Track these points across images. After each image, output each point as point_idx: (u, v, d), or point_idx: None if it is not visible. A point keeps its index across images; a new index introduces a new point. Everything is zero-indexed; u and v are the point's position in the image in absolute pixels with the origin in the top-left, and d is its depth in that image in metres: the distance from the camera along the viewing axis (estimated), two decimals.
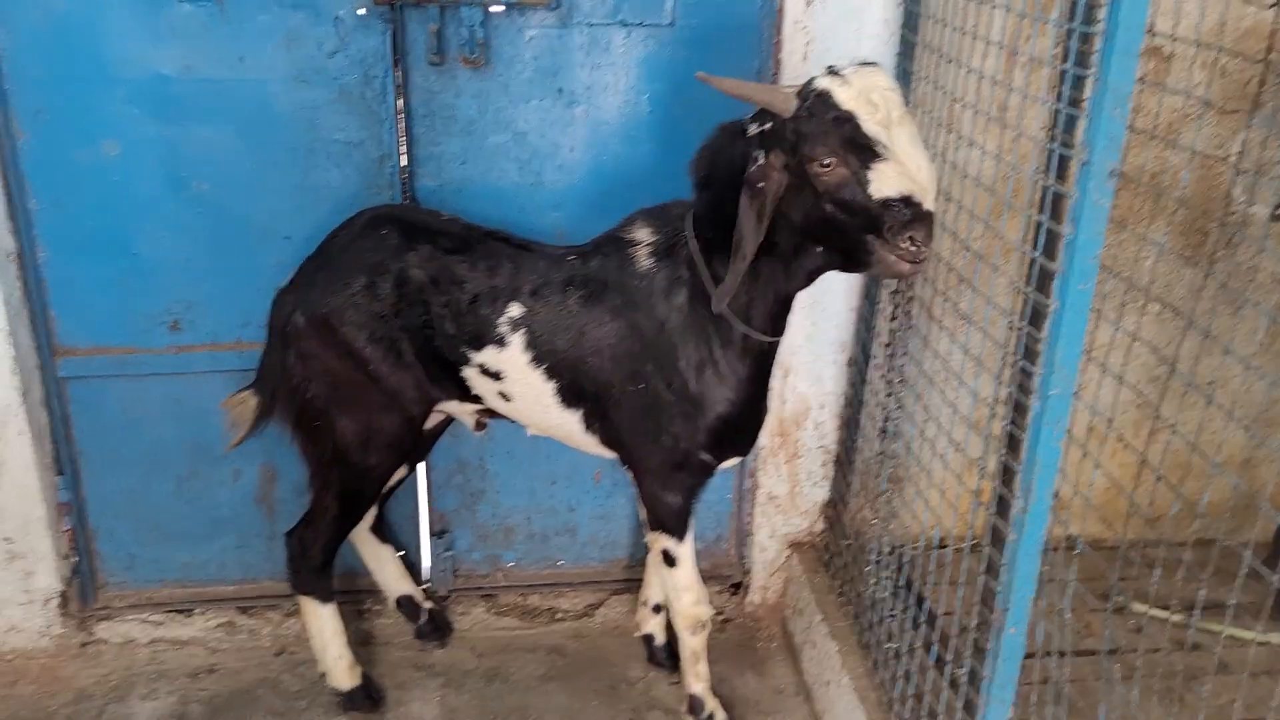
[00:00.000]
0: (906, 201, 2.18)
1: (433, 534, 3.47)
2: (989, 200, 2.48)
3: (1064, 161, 2.16)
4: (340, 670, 3.10)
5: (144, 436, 3.23)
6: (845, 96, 2.19)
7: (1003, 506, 2.35)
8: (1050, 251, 2.14)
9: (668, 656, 3.30)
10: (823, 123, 2.19)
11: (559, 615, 3.53)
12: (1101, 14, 1.93)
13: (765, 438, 3.33)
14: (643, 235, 2.66)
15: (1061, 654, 2.46)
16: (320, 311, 2.72)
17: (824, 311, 3.20)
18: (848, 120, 2.17)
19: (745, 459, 3.11)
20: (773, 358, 2.71)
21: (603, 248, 2.71)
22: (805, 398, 3.29)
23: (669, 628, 3.31)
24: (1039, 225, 2.17)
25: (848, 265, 2.42)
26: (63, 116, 2.89)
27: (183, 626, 3.39)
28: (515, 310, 2.68)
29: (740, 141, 2.39)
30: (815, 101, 2.21)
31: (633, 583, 3.51)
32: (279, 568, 3.27)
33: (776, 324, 2.60)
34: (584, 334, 2.65)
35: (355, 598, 3.46)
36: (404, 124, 2.98)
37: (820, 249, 2.41)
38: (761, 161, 2.31)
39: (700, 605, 2.90)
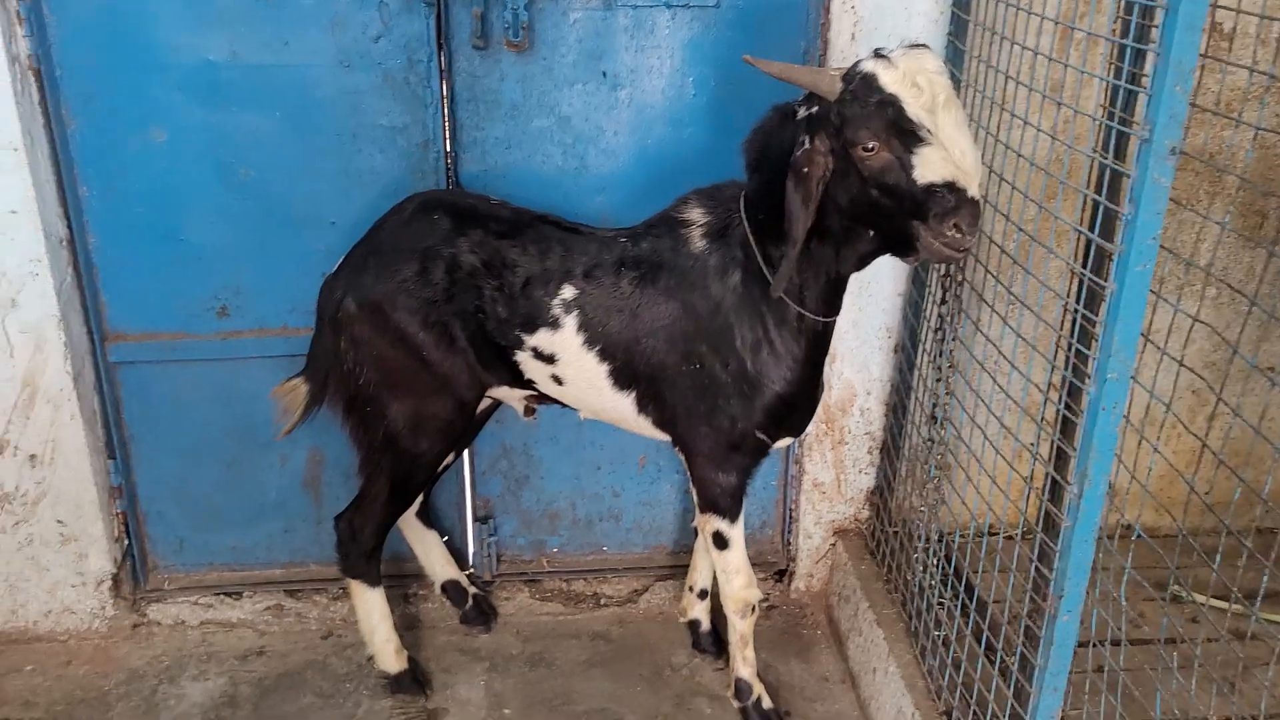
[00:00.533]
0: (950, 187, 2.15)
1: (477, 519, 3.48)
2: (1043, 180, 2.43)
3: (1122, 139, 2.12)
4: (388, 653, 3.12)
5: (193, 421, 3.26)
6: (890, 79, 2.16)
7: (1056, 492, 2.31)
8: (1107, 232, 2.10)
9: (713, 642, 3.29)
10: (867, 106, 2.17)
11: (603, 601, 3.53)
12: None
13: (812, 425, 3.30)
14: (696, 216, 2.65)
15: (1115, 643, 2.42)
16: (372, 297, 2.72)
17: (870, 297, 3.16)
18: (892, 104, 2.15)
19: (794, 443, 3.09)
20: (828, 338, 2.70)
21: (655, 228, 2.71)
22: (851, 384, 3.26)
23: (714, 613, 3.32)
24: (1095, 205, 2.13)
25: (896, 250, 2.40)
26: (112, 103, 2.92)
27: (231, 609, 3.43)
28: (568, 292, 2.67)
29: (790, 124, 2.37)
30: (860, 85, 2.19)
31: (677, 569, 3.50)
32: (326, 551, 3.31)
33: (830, 305, 2.59)
34: (637, 315, 2.64)
35: (402, 582, 3.48)
36: (448, 108, 2.98)
37: (870, 233, 2.39)
38: (807, 146, 2.29)
39: (751, 589, 2.88)
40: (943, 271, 2.84)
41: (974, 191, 2.16)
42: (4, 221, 2.89)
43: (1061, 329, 2.33)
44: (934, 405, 2.91)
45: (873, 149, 2.18)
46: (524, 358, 2.76)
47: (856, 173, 2.24)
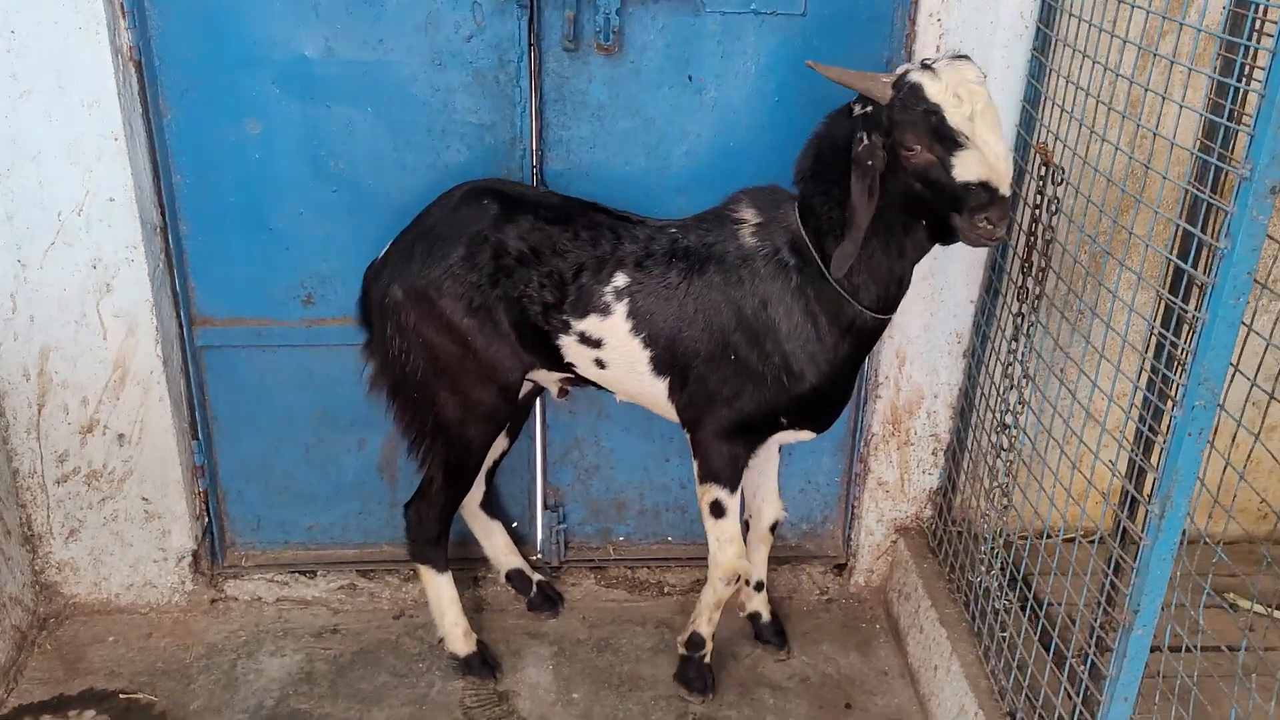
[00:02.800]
0: (984, 186, 2.36)
1: (546, 507, 3.57)
2: (1120, 199, 2.49)
3: (1218, 172, 2.16)
4: (456, 636, 3.22)
5: (275, 404, 3.35)
6: (934, 90, 2.35)
7: (1133, 507, 2.38)
8: (1196, 262, 2.15)
9: (775, 633, 3.38)
10: (914, 114, 2.37)
11: (667, 590, 3.62)
12: (1269, 29, 1.92)
13: (878, 425, 3.37)
14: (748, 214, 2.76)
15: (1186, 649, 2.48)
16: (419, 284, 2.79)
17: (942, 303, 3.21)
18: (935, 113, 2.35)
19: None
20: (876, 339, 2.81)
21: (706, 222, 2.81)
22: (920, 387, 3.32)
23: (774, 604, 3.41)
24: (1185, 234, 2.18)
25: (942, 238, 2.57)
26: (208, 95, 2.99)
27: (306, 587, 3.54)
28: (621, 280, 2.76)
29: (847, 121, 2.53)
30: (908, 93, 2.38)
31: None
32: (398, 533, 3.41)
33: (887, 301, 2.68)
34: (683, 305, 2.74)
35: (471, 565, 3.58)
36: (536, 107, 3.04)
37: (921, 222, 2.54)
38: (866, 142, 2.46)
39: (742, 560, 3.01)
40: (1019, 283, 2.89)
41: (1004, 190, 2.37)
42: (103, 209, 2.97)
43: (1146, 349, 2.40)
44: (1004, 411, 2.97)
45: (916, 150, 2.39)
46: (568, 342, 2.84)
47: (902, 168, 2.43)
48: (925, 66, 2.38)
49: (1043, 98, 2.85)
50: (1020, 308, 2.89)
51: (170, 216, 3.11)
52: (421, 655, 3.33)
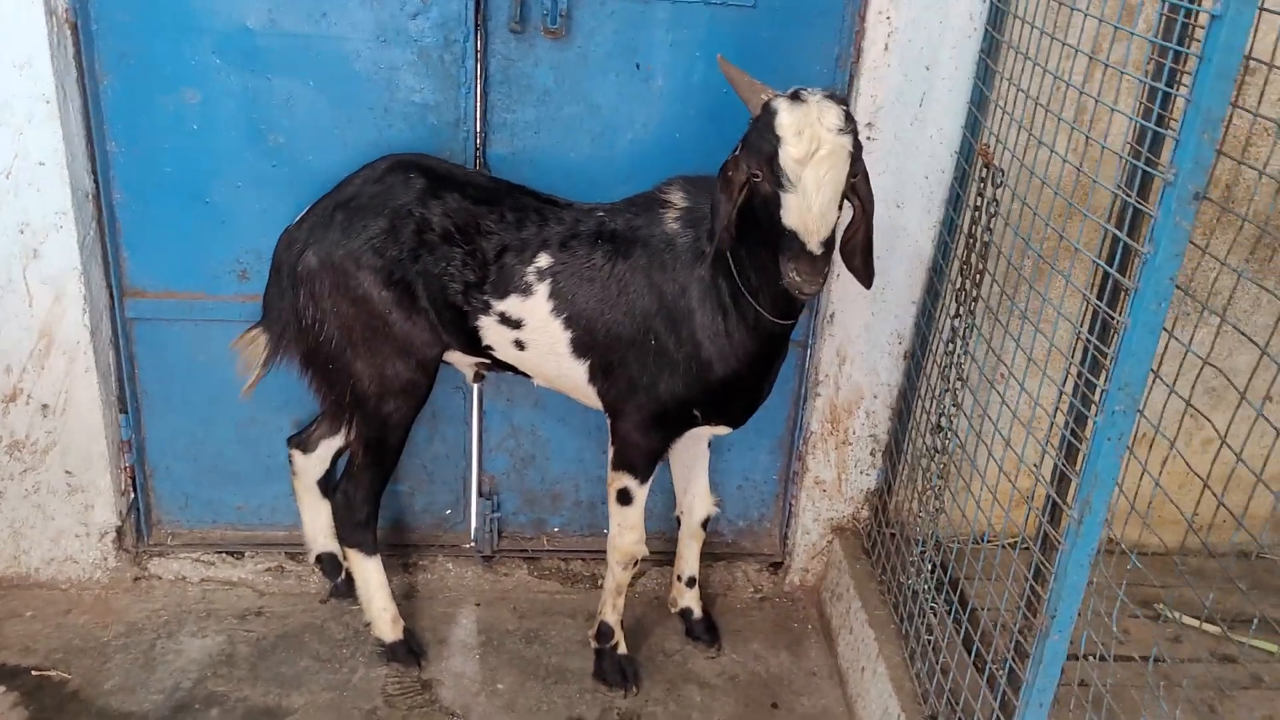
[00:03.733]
0: (795, 237, 2.30)
1: (480, 495, 3.53)
2: (1060, 205, 2.48)
3: (1146, 178, 2.16)
4: (384, 622, 3.17)
5: (207, 380, 3.29)
6: (784, 122, 2.27)
7: (1055, 513, 2.37)
8: (1124, 267, 2.14)
9: (706, 629, 3.36)
10: (762, 139, 2.32)
11: (600, 583, 3.58)
12: (1199, 34, 1.92)
13: (817, 424, 3.35)
14: (676, 199, 2.74)
15: (1101, 658, 2.49)
16: (336, 254, 2.75)
17: (884, 303, 3.20)
18: (776, 144, 2.28)
19: (730, 432, 3.11)
20: (784, 342, 2.80)
21: (635, 205, 2.79)
22: (859, 387, 3.31)
23: (706, 600, 3.40)
24: (1114, 239, 2.17)
25: None
26: (146, 62, 2.93)
27: (233, 568, 3.48)
28: (544, 260, 2.74)
29: None
30: (764, 116, 2.33)
31: (673, 555, 3.55)
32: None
33: (783, 310, 2.62)
34: (606, 287, 2.72)
35: (403, 551, 3.54)
36: (480, 89, 3.00)
37: None
38: (735, 154, 2.43)
39: (640, 545, 3.02)
40: (957, 285, 2.89)
41: (811, 247, 2.29)
42: (32, 173, 2.90)
43: (1072, 354, 2.39)
44: (940, 414, 2.97)
45: (759, 177, 2.34)
46: (488, 323, 2.81)
47: (755, 191, 2.39)
48: (794, 95, 2.31)
49: (989, 101, 2.84)
50: (958, 310, 2.88)
51: (103, 184, 3.05)
52: (346, 640, 3.28)
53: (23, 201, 2.93)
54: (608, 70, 3.00)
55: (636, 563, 3.07)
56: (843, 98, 2.34)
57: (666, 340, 2.70)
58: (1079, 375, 2.30)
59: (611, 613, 3.13)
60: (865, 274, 2.58)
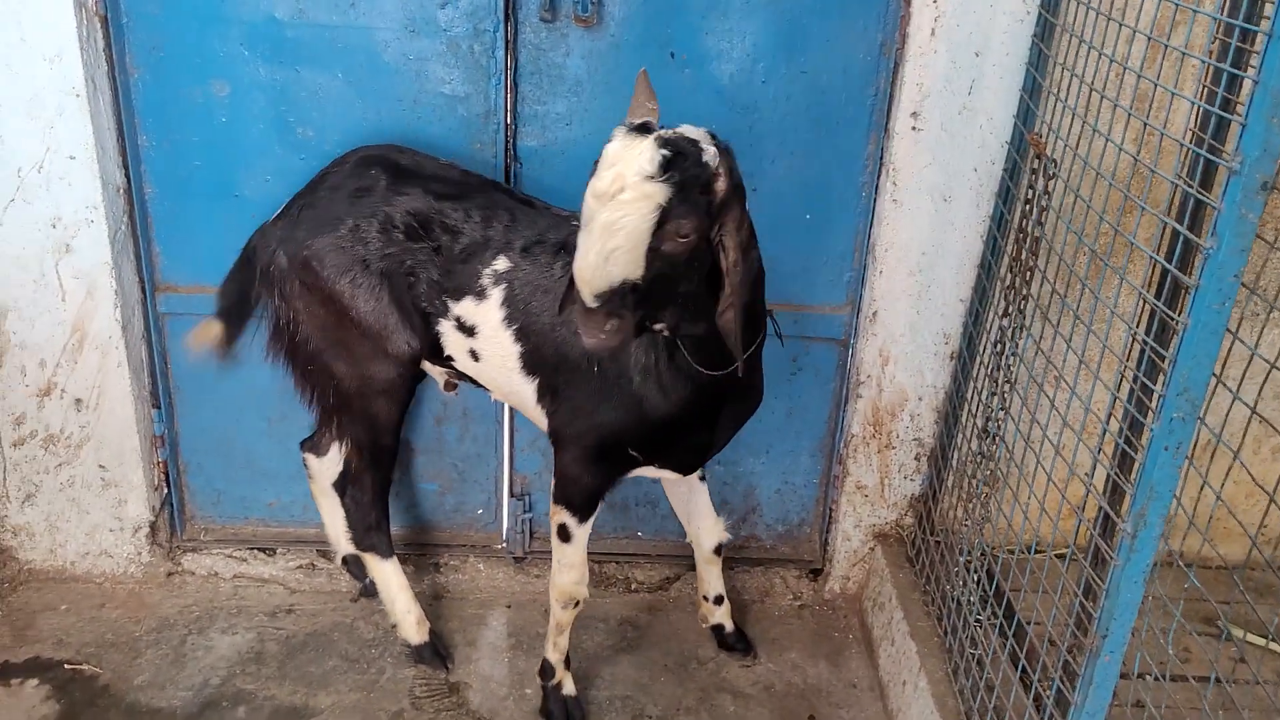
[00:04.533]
0: (574, 282, 2.07)
1: (512, 495, 3.46)
2: (1116, 197, 2.33)
3: (1209, 167, 2.01)
4: (409, 624, 3.12)
5: (239, 376, 3.26)
6: (607, 151, 2.03)
7: (1107, 525, 2.23)
8: (1185, 264, 2.00)
9: (739, 639, 3.25)
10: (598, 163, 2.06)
11: (634, 586, 3.51)
12: (1269, 9, 1.77)
13: (858, 426, 3.23)
14: None
15: (1157, 678, 2.34)
16: (302, 253, 2.68)
17: (929, 301, 3.07)
18: (591, 174, 2.04)
19: (691, 475, 2.96)
20: (721, 392, 2.52)
21: None
22: (903, 389, 3.18)
23: (736, 613, 3.30)
24: (1175, 233, 2.03)
25: None
26: (176, 55, 2.90)
27: (264, 565, 3.46)
28: (501, 264, 2.60)
29: None
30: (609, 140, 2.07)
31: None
32: None
33: (708, 360, 2.38)
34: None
35: (434, 551, 3.49)
36: (510, 80, 2.92)
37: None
38: None
39: (580, 586, 2.84)
40: (1007, 283, 2.75)
41: (583, 294, 2.03)
42: (63, 166, 2.89)
43: (1127, 357, 2.24)
44: (987, 419, 2.83)
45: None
46: (446, 328, 2.70)
47: None
48: (639, 127, 2.05)
49: (1042, 88, 2.70)
50: (1007, 309, 2.74)
51: (134, 178, 3.03)
52: (375, 641, 3.23)
53: (54, 196, 2.92)
54: (642, 60, 2.89)
55: (578, 604, 2.86)
56: (688, 141, 2.02)
57: (609, 370, 2.52)
58: (1135, 379, 2.15)
59: (553, 651, 2.95)
60: (733, 349, 2.25)
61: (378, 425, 2.85)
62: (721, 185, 2.05)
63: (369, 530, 3.02)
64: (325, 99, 2.94)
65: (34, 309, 3.04)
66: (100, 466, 3.25)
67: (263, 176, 3.02)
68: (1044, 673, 2.43)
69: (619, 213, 1.97)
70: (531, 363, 2.65)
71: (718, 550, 3.13)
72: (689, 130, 2.08)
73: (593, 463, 2.66)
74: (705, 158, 2.03)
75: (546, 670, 2.98)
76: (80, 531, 3.33)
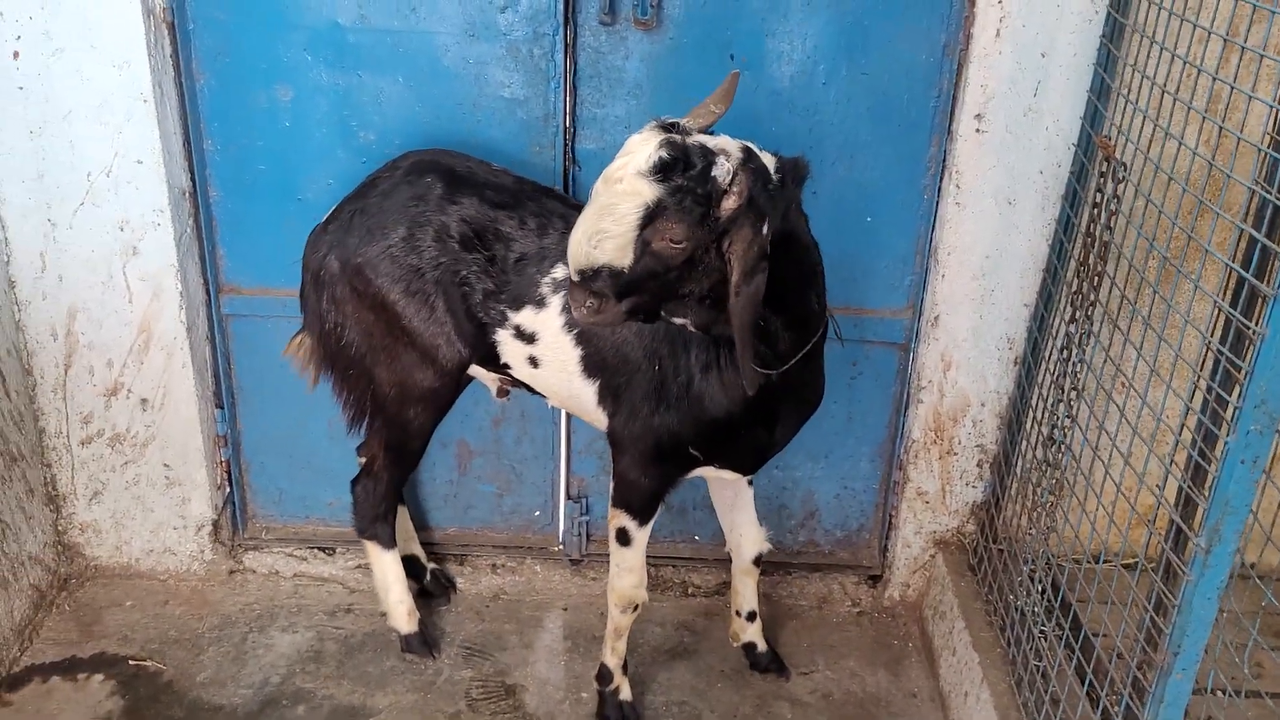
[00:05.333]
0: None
1: (569, 497, 3.46)
2: (1189, 202, 2.27)
3: None
4: (400, 614, 3.16)
5: (299, 377, 3.28)
6: (628, 140, 2.10)
7: (1179, 538, 2.17)
8: (1262, 271, 1.94)
9: (772, 660, 3.20)
10: None
11: (690, 590, 3.49)
12: None
13: (919, 432, 3.19)
14: None
15: (1230, 694, 2.28)
16: (355, 260, 2.68)
17: (993, 305, 3.01)
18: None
19: (750, 476, 2.97)
20: (782, 391, 2.49)
21: None
22: (965, 394, 3.13)
23: (768, 631, 3.26)
24: (1250, 239, 1.97)
25: None
26: (241, 60, 2.94)
27: (324, 564, 3.50)
28: (560, 271, 2.59)
29: None
30: None
31: (769, 565, 3.41)
32: (422, 514, 3.36)
33: (761, 357, 2.35)
34: None
35: (490, 553, 3.52)
36: (570, 84, 2.92)
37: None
38: None
39: (640, 590, 2.83)
40: (1074, 288, 2.69)
41: (571, 271, 2.14)
42: (130, 171, 2.94)
43: (1200, 366, 2.18)
44: (1053, 426, 2.77)
45: None
46: (504, 336, 2.70)
47: None
48: (664, 125, 2.11)
49: (1111, 90, 2.63)
50: (1074, 314, 2.68)
51: (200, 182, 3.07)
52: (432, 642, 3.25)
53: (122, 199, 2.97)
54: (701, 62, 2.88)
55: (637, 608, 2.87)
56: (702, 151, 2.04)
57: (668, 368, 2.53)
58: (1208, 390, 2.10)
59: (611, 655, 2.95)
60: (742, 366, 2.24)
61: (409, 430, 2.87)
62: (731, 203, 2.05)
63: (375, 520, 3.04)
64: (386, 103, 2.96)
65: (102, 310, 3.10)
66: (165, 465, 3.31)
67: (325, 180, 3.05)
68: (1112, 688, 2.37)
69: (612, 199, 2.04)
70: (592, 366, 2.65)
71: (757, 561, 3.10)
72: (721, 141, 2.10)
73: (652, 464, 2.65)
74: (715, 172, 2.04)
75: (604, 675, 2.97)
76: (145, 529, 3.39)
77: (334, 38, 2.89)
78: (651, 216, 2.02)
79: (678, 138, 2.06)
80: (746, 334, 2.17)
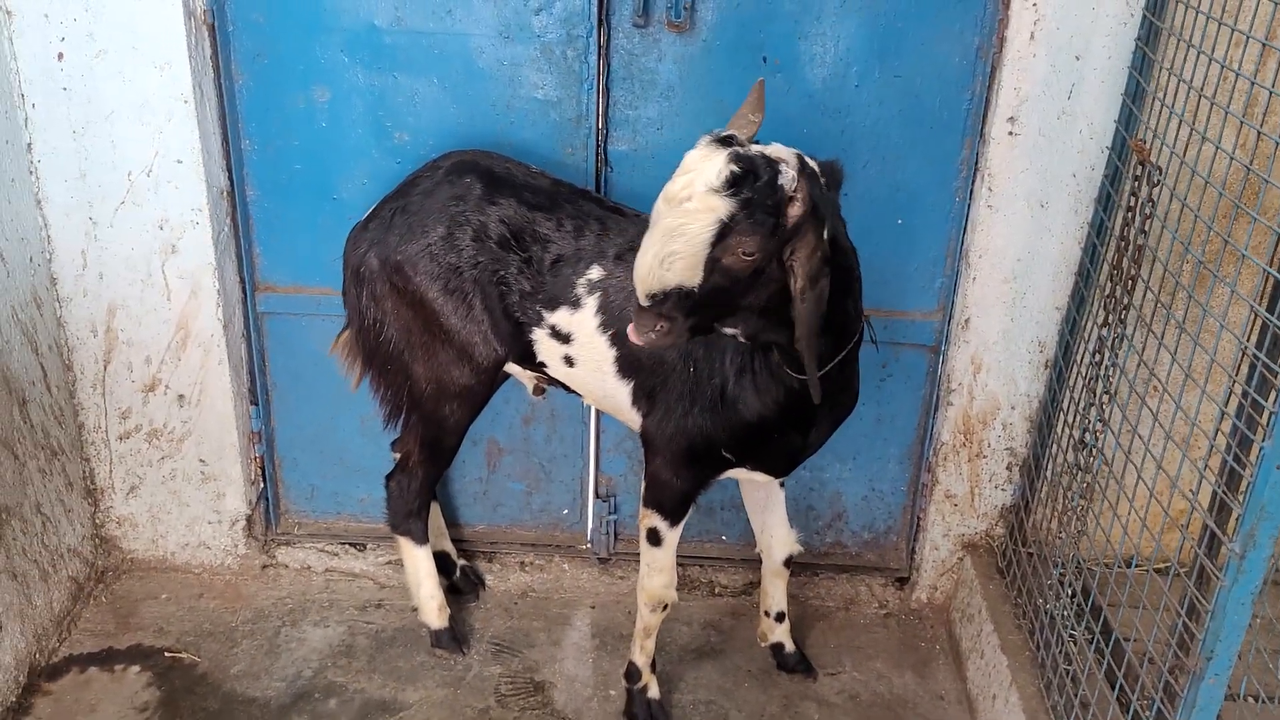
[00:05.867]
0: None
1: (597, 496, 3.49)
2: (1225, 206, 2.26)
3: None
4: (431, 610, 3.19)
5: (333, 375, 3.29)
6: (686, 158, 2.07)
7: (1212, 543, 2.17)
8: None
9: (799, 661, 3.20)
10: None
11: (717, 590, 3.51)
12: None
13: (948, 434, 3.19)
14: None
15: (1263, 700, 2.27)
16: (395, 258, 2.72)
17: (1024, 308, 3.01)
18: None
19: (782, 478, 2.98)
20: (812, 399, 2.45)
21: None
22: (995, 396, 3.12)
23: (795, 631, 3.26)
24: None
25: None
26: (279, 61, 2.98)
27: (355, 559, 3.53)
28: (595, 273, 2.62)
29: None
30: None
31: (797, 566, 3.41)
32: (452, 511, 3.38)
33: (796, 363, 2.33)
34: None
35: (519, 551, 3.55)
36: (603, 85, 2.94)
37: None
38: None
39: (670, 590, 2.85)
40: (1107, 291, 2.68)
41: (639, 294, 2.11)
42: (170, 170, 2.98)
43: (1236, 370, 2.18)
44: (1084, 430, 2.77)
45: None
46: (540, 335, 2.73)
47: None
48: (723, 139, 2.08)
49: (1146, 93, 2.63)
50: (1107, 318, 2.68)
51: (238, 181, 3.11)
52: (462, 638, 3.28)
53: (162, 198, 3.01)
54: (734, 64, 2.89)
55: (667, 607, 2.89)
56: (766, 161, 2.02)
57: (703, 370, 2.55)
58: (1243, 394, 2.09)
59: (640, 654, 2.96)
60: (809, 372, 2.24)
61: (445, 427, 2.90)
62: (796, 210, 2.04)
63: (409, 516, 3.07)
64: (421, 104, 2.99)
65: (141, 307, 3.15)
66: (200, 461, 3.35)
67: (360, 180, 3.09)
68: (1143, 693, 2.37)
69: (682, 219, 2.01)
70: (627, 366, 2.67)
71: (788, 562, 3.11)
72: (776, 150, 2.08)
73: (685, 466, 2.67)
74: (781, 180, 2.03)
75: (632, 673, 2.99)
76: (180, 523, 3.44)
77: (371, 39, 2.92)
78: (724, 233, 2.01)
79: (748, 149, 2.05)
80: (812, 340, 2.17)
